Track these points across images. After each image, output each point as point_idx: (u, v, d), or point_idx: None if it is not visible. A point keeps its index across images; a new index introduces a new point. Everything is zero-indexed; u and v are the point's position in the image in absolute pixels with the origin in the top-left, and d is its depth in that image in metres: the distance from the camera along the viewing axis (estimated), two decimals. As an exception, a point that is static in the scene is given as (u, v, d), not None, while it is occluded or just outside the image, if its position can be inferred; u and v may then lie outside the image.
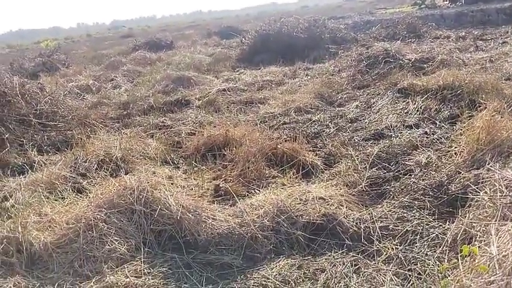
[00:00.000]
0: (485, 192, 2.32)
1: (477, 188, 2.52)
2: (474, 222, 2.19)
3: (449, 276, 1.84)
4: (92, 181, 3.59)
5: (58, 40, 26.62)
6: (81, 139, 4.63)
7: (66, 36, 34.48)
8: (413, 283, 2.15)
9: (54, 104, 5.69)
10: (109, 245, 2.58)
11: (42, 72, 10.85)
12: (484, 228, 2.03)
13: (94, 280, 2.38)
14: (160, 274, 2.43)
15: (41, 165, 4.13)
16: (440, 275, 2.02)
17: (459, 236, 2.27)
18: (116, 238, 2.62)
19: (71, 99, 6.96)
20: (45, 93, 5.86)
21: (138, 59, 11.90)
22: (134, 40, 17.10)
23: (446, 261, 2.04)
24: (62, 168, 3.80)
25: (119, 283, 2.33)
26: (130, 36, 23.34)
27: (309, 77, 7.60)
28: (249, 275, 2.40)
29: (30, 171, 4.04)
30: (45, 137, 5.01)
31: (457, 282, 1.62)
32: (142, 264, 2.48)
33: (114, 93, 7.83)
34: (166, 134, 5.01)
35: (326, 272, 2.35)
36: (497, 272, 1.43)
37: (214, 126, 4.77)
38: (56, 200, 3.27)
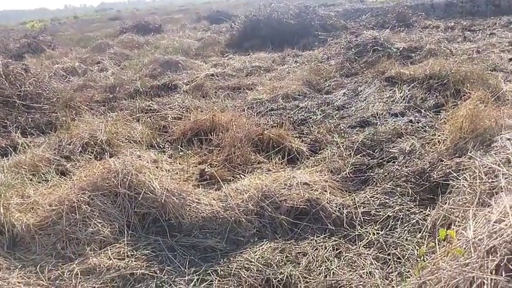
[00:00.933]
0: (465, 179, 2.36)
1: (458, 175, 2.56)
2: (453, 208, 2.24)
3: (426, 260, 1.88)
4: (76, 164, 3.57)
5: (44, 21, 26.06)
6: (66, 121, 4.58)
7: (52, 18, 33.76)
8: (392, 267, 2.20)
9: (39, 86, 5.60)
10: (92, 227, 2.57)
11: (27, 54, 10.66)
12: (462, 214, 2.07)
13: (76, 262, 2.37)
14: (143, 256, 2.43)
15: (25, 148, 4.07)
16: (418, 259, 2.06)
17: (439, 221, 2.31)
18: (99, 221, 2.62)
19: (57, 81, 6.87)
20: (29, 75, 5.76)
21: (125, 42, 11.75)
22: (122, 23, 16.83)
23: (425, 246, 2.08)
24: (46, 151, 3.76)
25: (101, 265, 2.33)
26: (117, 19, 22.94)
27: (297, 64, 7.59)
28: (232, 258, 2.42)
29: (13, 153, 3.99)
30: (30, 119, 4.94)
31: (433, 265, 1.65)
32: (126, 247, 2.48)
33: (100, 76, 7.73)
34: (152, 118, 4.98)
35: (307, 256, 2.39)
36: (473, 255, 1.46)
37: (201, 111, 4.75)
38: (39, 182, 3.25)
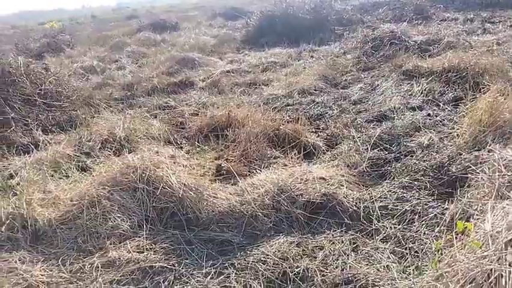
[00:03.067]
0: (484, 172, 2.33)
1: (477, 168, 2.53)
2: (472, 202, 2.21)
3: (443, 253, 1.87)
4: (96, 160, 3.63)
5: (63, 21, 26.45)
6: (85, 119, 4.67)
7: (71, 18, 34.22)
8: (409, 261, 2.19)
9: (59, 84, 5.71)
10: (112, 221, 2.63)
11: (47, 53, 10.84)
12: (481, 207, 2.04)
13: (97, 255, 2.43)
14: (162, 250, 2.48)
15: (46, 144, 4.17)
16: (436, 252, 2.04)
17: (457, 215, 2.29)
18: (119, 215, 2.67)
19: (76, 79, 7.00)
20: (49, 74, 5.87)
21: (142, 40, 11.86)
22: (138, 21, 16.98)
23: (442, 239, 2.07)
24: (66, 147, 3.84)
25: (121, 258, 2.38)
26: (134, 17, 23.13)
27: (313, 59, 7.55)
28: (248, 252, 2.44)
29: (35, 150, 4.09)
30: (50, 116, 5.05)
31: (450, 258, 1.64)
32: (144, 241, 2.53)
33: (118, 74, 7.83)
34: (169, 114, 5.03)
35: (324, 250, 2.39)
36: (491, 248, 1.45)
37: (217, 107, 4.78)
38: (60, 178, 3.33)
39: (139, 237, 2.56)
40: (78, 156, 3.70)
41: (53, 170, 3.48)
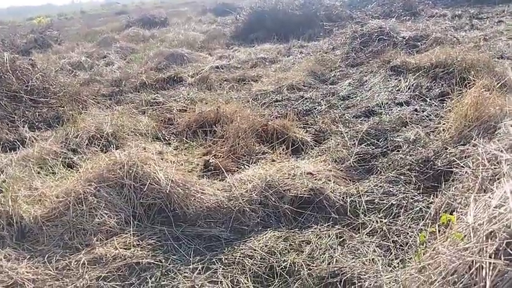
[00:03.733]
0: (469, 166, 2.36)
1: (461, 162, 2.56)
2: (456, 195, 2.24)
3: (427, 245, 1.89)
4: (83, 156, 3.61)
5: (51, 17, 26.17)
6: (72, 115, 4.63)
7: (59, 13, 33.86)
8: (395, 253, 2.21)
9: (45, 81, 5.64)
10: (98, 218, 2.61)
11: (34, 49, 10.73)
12: (465, 201, 2.07)
13: (83, 252, 2.42)
14: (149, 246, 2.47)
15: (33, 141, 4.12)
16: (421, 245, 2.06)
17: (441, 208, 2.32)
18: (105, 211, 2.65)
19: (63, 75, 6.92)
20: (36, 70, 5.80)
21: (131, 35, 11.79)
22: (127, 17, 16.85)
23: (427, 232, 2.09)
24: (53, 144, 3.81)
25: (108, 255, 2.36)
26: (123, 13, 22.96)
27: (303, 55, 7.57)
28: (236, 247, 2.45)
29: (21, 147, 4.04)
30: (37, 113, 4.99)
31: (433, 250, 1.66)
32: (131, 237, 2.52)
33: (106, 70, 7.78)
34: (157, 110, 5.01)
35: (311, 244, 2.40)
36: (472, 240, 1.47)
37: (206, 103, 4.77)
38: (46, 175, 3.30)
39: (126, 233, 2.55)
40: (65, 152, 3.66)
41: (40, 167, 3.44)
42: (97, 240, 2.49)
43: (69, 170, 3.36)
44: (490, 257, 1.38)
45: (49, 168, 3.42)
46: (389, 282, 1.91)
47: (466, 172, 2.34)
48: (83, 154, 3.65)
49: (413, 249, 2.15)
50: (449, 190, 2.44)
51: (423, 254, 1.72)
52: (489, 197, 1.68)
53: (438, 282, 1.45)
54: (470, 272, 1.38)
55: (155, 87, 6.11)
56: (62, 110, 5.07)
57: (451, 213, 2.14)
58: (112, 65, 8.25)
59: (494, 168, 2.10)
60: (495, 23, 8.50)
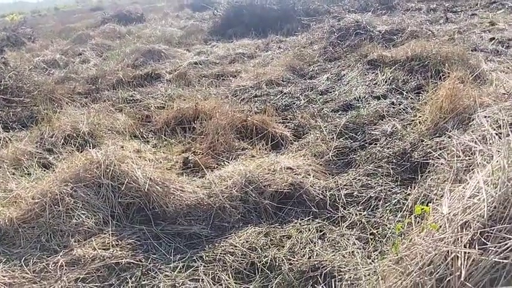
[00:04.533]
0: (444, 158, 2.40)
1: (437, 154, 2.60)
2: (432, 186, 2.28)
3: (404, 237, 1.92)
4: (58, 156, 3.54)
5: (24, 14, 25.53)
6: (47, 114, 4.53)
7: (32, 10, 33.05)
8: (374, 246, 2.24)
9: (19, 79, 5.52)
10: (76, 218, 2.57)
11: (7, 47, 10.43)
12: (440, 192, 2.11)
13: (61, 254, 2.38)
14: (129, 246, 2.44)
15: (7, 142, 4.03)
16: (397, 237, 2.10)
17: (419, 200, 2.36)
18: (83, 212, 2.61)
19: (37, 74, 6.77)
20: (9, 68, 5.68)
21: (107, 32, 11.57)
22: (103, 13, 16.55)
23: (403, 223, 2.12)
24: (27, 144, 3.73)
25: (86, 256, 2.33)
26: (99, 9, 22.56)
27: (281, 50, 7.57)
28: (217, 244, 2.44)
29: (-5, 148, 3.94)
30: (11, 113, 4.88)
31: (409, 241, 1.69)
32: (110, 237, 2.49)
33: (82, 67, 7.62)
34: (135, 108, 4.95)
35: (291, 239, 2.42)
36: (447, 230, 1.50)
37: (184, 100, 4.73)
38: (21, 176, 3.23)
39: (105, 233, 2.52)
40: (40, 153, 3.59)
41: (14, 168, 3.37)
42: (74, 242, 2.45)
43: (45, 171, 3.30)
44: (465, 246, 1.41)
45: (24, 169, 3.35)
46: (368, 274, 1.93)
47: (442, 163, 2.39)
48: (59, 154, 3.59)
49: (392, 241, 2.18)
50: (426, 182, 2.49)
51: (401, 245, 1.75)
52: (463, 188, 1.72)
53: (415, 272, 1.47)
54: (446, 262, 1.41)
55: (133, 84, 6.02)
56: (36, 109, 4.96)
57: (427, 205, 2.17)
58: (87, 63, 8.09)
59: (469, 159, 2.15)
60: (469, 16, 8.65)
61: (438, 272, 1.42)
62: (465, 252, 1.40)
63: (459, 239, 1.44)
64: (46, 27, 16.56)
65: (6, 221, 2.63)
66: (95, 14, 19.02)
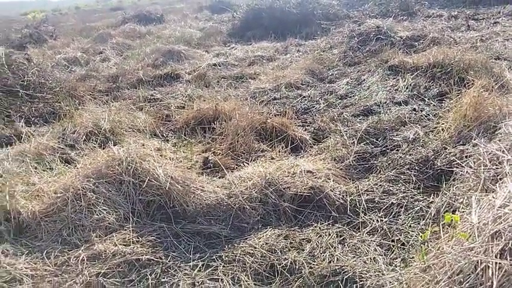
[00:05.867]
0: (470, 166, 2.36)
1: (462, 162, 2.56)
2: (457, 195, 2.24)
3: (430, 245, 1.89)
4: (80, 152, 3.58)
5: (46, 12, 25.98)
6: (69, 111, 4.59)
7: (54, 8, 33.65)
8: (396, 253, 2.21)
9: (41, 76, 5.59)
10: (97, 214, 2.59)
11: (29, 44, 10.62)
12: (466, 201, 2.07)
13: (82, 248, 2.40)
14: (149, 243, 2.45)
15: (29, 136, 4.09)
16: (422, 245, 2.07)
17: (443, 208, 2.32)
18: (104, 208, 2.63)
19: (59, 71, 6.86)
20: (32, 64, 5.75)
21: (127, 31, 11.70)
22: (123, 13, 16.74)
23: (429, 231, 2.09)
24: (50, 139, 3.77)
25: (107, 251, 2.34)
26: (119, 9, 22.86)
27: (300, 53, 7.56)
28: (236, 244, 2.44)
29: (17, 142, 4.00)
30: (33, 108, 4.95)
31: (437, 250, 1.66)
32: (131, 233, 2.50)
33: (103, 66, 7.72)
34: (155, 107, 4.98)
35: (311, 242, 2.40)
36: (477, 240, 1.47)
37: (204, 100, 4.75)
38: (44, 171, 3.27)
39: (125, 230, 2.53)
40: (62, 148, 3.63)
41: (37, 162, 3.41)
42: (96, 237, 2.47)
43: (66, 166, 3.33)
44: (496, 257, 1.39)
45: (46, 163, 3.39)
46: (392, 282, 1.91)
47: (467, 172, 2.35)
48: (80, 150, 3.63)
49: (415, 249, 2.15)
50: (450, 190, 2.44)
51: (427, 253, 1.72)
52: (493, 197, 1.69)
53: (443, 281, 1.45)
54: (476, 272, 1.38)
55: (152, 83, 6.07)
56: (58, 105, 5.03)
57: (453, 213, 2.14)
58: (108, 61, 8.19)
59: (496, 168, 2.11)
60: (491, 24, 8.54)
61: (468, 282, 1.39)
62: (496, 263, 1.37)
63: (489, 248, 1.42)
64: (67, 26, 16.82)
65: (29, 214, 2.67)
66: (115, 14, 19.26)
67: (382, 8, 10.62)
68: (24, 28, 12.52)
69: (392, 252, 2.24)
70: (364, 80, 5.29)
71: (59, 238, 2.51)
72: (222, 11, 15.69)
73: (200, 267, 2.28)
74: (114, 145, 3.41)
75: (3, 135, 4.26)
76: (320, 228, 2.55)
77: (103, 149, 3.41)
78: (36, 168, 3.28)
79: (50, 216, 2.65)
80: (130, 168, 2.82)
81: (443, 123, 3.48)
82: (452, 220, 1.67)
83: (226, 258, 2.34)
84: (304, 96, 4.91)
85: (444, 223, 1.79)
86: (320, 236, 2.47)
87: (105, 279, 2.17)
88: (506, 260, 1.37)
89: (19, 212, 2.66)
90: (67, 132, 3.86)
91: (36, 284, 2.18)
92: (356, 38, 6.97)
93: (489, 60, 4.98)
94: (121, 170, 2.82)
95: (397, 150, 3.31)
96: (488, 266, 1.37)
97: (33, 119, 4.72)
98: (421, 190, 2.77)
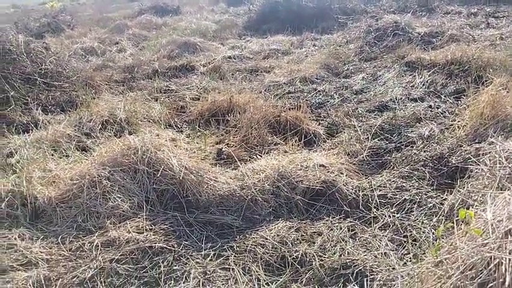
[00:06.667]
0: (485, 164, 2.34)
1: (477, 160, 2.54)
2: (472, 192, 2.22)
3: (443, 241, 1.88)
4: (96, 140, 3.64)
5: (63, 2, 26.21)
6: (85, 100, 4.65)
7: (71, -2, 33.93)
8: (408, 248, 2.21)
9: (59, 64, 5.67)
10: (112, 201, 2.63)
11: (47, 33, 10.72)
12: (481, 198, 2.06)
13: (96, 234, 2.45)
14: (162, 231, 2.49)
15: (46, 124, 4.16)
16: (434, 241, 2.06)
17: (456, 205, 2.31)
18: (119, 195, 2.67)
19: (76, 60, 6.93)
20: (50, 53, 5.83)
21: (144, 23, 11.74)
22: (140, 4, 16.80)
23: (442, 226, 2.08)
24: (66, 127, 3.84)
25: (121, 238, 2.39)
26: (136, 0, 22.92)
27: (316, 47, 7.52)
28: (247, 235, 2.46)
29: (35, 129, 4.08)
30: (50, 96, 5.02)
31: (450, 245, 1.66)
32: (144, 221, 2.54)
33: (119, 56, 7.78)
34: (170, 98, 5.02)
35: (322, 236, 2.41)
36: (491, 236, 1.46)
37: (219, 92, 4.76)
38: (60, 158, 3.33)
39: (139, 218, 2.57)
40: (78, 136, 3.69)
41: (53, 149, 3.47)
42: (110, 224, 2.51)
43: (82, 154, 3.39)
44: (510, 253, 1.38)
45: (63, 151, 3.45)
46: (403, 276, 1.91)
47: (482, 170, 2.32)
48: (96, 138, 3.68)
49: (427, 245, 2.14)
50: (464, 187, 2.42)
51: (439, 249, 1.71)
52: (508, 195, 1.67)
53: (455, 276, 1.44)
54: (489, 267, 1.38)
55: (168, 75, 6.10)
56: (75, 94, 5.09)
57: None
58: (124, 52, 8.25)
59: (512, 166, 2.09)
60: (511, 22, 8.38)
61: (480, 277, 1.39)
62: (510, 259, 1.36)
63: (503, 245, 1.41)
64: (84, 16, 16.95)
65: (45, 199, 2.73)
66: (132, 5, 19.32)
67: (400, 4, 10.49)
68: (42, 17, 12.63)
69: (404, 248, 2.24)
70: (380, 75, 5.25)
71: (74, 224, 2.56)
72: (238, 4, 15.63)
73: (211, 257, 2.30)
74: (129, 134, 3.45)
75: (21, 122, 4.35)
76: (331, 222, 2.55)
77: (119, 138, 3.47)
78: (52, 155, 3.35)
79: (66, 202, 2.70)
80: (144, 157, 2.86)
81: (459, 121, 3.44)
82: (466, 216, 1.66)
83: (238, 248, 2.36)
84: (319, 91, 4.89)
85: (458, 219, 1.78)
86: (331, 229, 2.47)
87: (118, 265, 2.21)
88: (520, 257, 1.36)
89: (35, 197, 2.72)
90: (83, 121, 3.92)
91: (51, 268, 2.23)
92: (373, 33, 6.91)
93: (508, 59, 4.89)
94: (136, 159, 2.86)
95: (411, 146, 3.28)
96: (502, 263, 1.37)
97: (50, 107, 4.79)
98: (435, 187, 2.75)
